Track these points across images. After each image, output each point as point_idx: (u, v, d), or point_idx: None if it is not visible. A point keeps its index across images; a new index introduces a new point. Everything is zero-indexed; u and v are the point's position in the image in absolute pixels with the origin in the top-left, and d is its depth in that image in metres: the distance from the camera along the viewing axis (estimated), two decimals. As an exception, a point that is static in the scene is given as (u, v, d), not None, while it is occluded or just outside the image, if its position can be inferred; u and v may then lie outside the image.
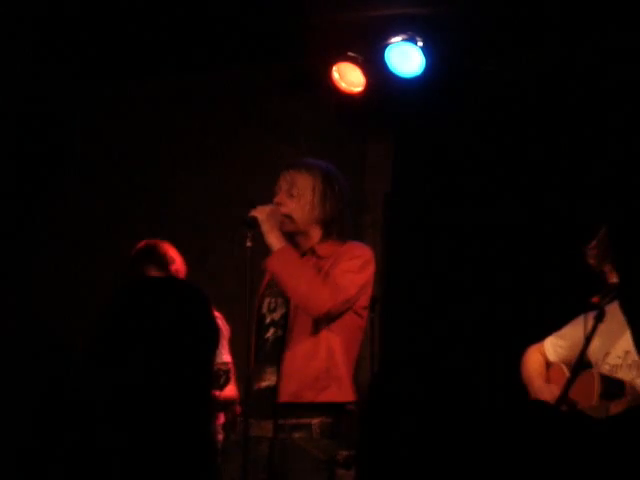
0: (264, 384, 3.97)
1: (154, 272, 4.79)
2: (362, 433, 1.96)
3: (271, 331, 4.04)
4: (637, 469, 1.83)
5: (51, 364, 2.26)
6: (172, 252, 4.90)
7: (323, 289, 3.85)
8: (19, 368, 2.29)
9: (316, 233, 4.04)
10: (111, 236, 6.04)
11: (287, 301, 4.00)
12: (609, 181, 4.80)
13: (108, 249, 5.96)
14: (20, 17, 5.39)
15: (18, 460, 2.05)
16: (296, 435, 3.89)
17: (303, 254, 4.02)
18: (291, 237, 4.07)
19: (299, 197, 4.01)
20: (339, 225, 4.04)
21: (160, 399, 2.06)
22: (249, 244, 3.94)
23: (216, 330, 2.19)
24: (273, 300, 4.07)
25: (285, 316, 4.01)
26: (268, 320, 4.06)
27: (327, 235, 4.04)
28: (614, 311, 3.94)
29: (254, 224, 3.95)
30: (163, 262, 4.83)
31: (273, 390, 3.92)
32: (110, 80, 6.09)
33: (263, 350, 4.01)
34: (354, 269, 3.94)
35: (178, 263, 4.87)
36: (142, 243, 4.93)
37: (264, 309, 4.08)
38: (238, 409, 4.70)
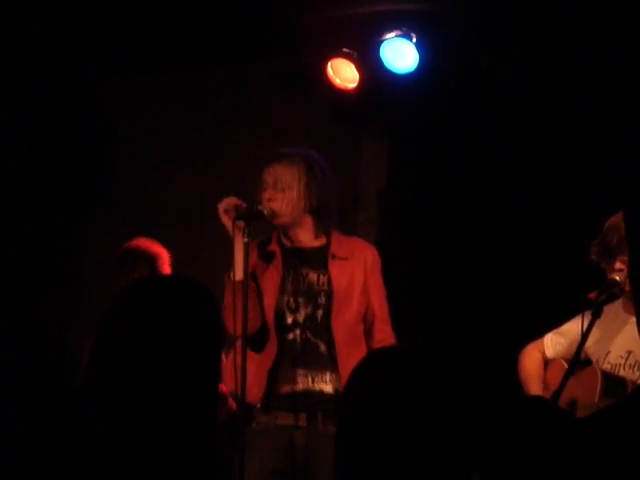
0: (299, 387, 4.00)
1: (122, 282, 4.72)
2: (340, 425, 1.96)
3: (296, 332, 4.04)
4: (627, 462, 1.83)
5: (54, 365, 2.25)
6: (141, 255, 4.79)
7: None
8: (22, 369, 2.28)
9: (308, 222, 4.12)
10: (102, 234, 6.01)
11: (311, 300, 4.05)
12: (618, 169, 4.79)
13: (98, 247, 5.92)
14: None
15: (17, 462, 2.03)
16: (329, 423, 3.92)
17: (320, 254, 4.08)
18: (285, 231, 4.12)
19: (286, 190, 4.06)
20: (327, 210, 4.11)
21: (167, 399, 2.04)
22: (245, 239, 3.97)
23: (223, 327, 2.18)
24: (292, 299, 4.07)
25: (312, 318, 4.03)
26: (290, 320, 4.06)
27: (319, 222, 4.11)
28: (613, 308, 3.94)
29: (255, 217, 4.00)
30: (126, 271, 4.73)
31: (310, 392, 4.00)
32: (105, 78, 6.07)
33: (290, 352, 4.02)
34: (385, 295, 4.19)
35: (144, 268, 4.75)
36: (120, 248, 4.86)
37: (283, 306, 4.08)
38: (232, 403, 4.68)
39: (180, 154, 6.13)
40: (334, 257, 4.09)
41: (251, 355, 3.96)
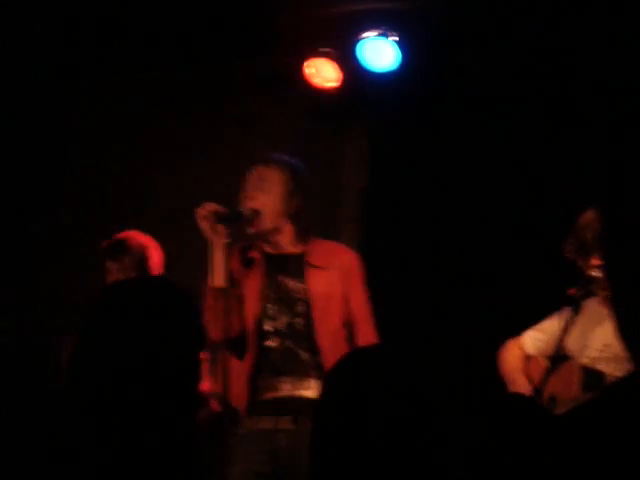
0: (281, 394, 4.00)
1: (110, 263, 4.75)
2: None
3: (276, 340, 4.05)
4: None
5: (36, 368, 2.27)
6: (132, 241, 4.82)
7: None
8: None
9: (287, 228, 4.11)
10: (86, 233, 6.00)
11: (290, 309, 4.04)
12: (592, 171, 4.83)
13: (82, 246, 5.91)
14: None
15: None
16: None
17: (295, 260, 4.08)
18: (264, 237, 4.11)
19: (268, 191, 4.07)
20: (306, 219, 4.13)
21: (148, 400, 2.06)
22: (227, 240, 3.97)
23: (202, 328, 2.19)
24: (273, 306, 4.07)
25: (291, 326, 4.03)
26: (270, 328, 4.06)
27: (299, 230, 4.10)
28: (592, 304, 3.97)
29: (234, 219, 4.00)
30: (116, 254, 4.76)
31: (293, 398, 3.98)
32: (83, 79, 6.06)
33: (271, 360, 4.03)
34: (367, 298, 4.15)
35: (135, 252, 4.77)
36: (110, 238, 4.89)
37: (263, 314, 4.08)
38: (215, 404, 4.69)
39: (161, 155, 6.12)
40: (311, 266, 4.08)
41: (232, 363, 3.96)
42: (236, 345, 4.02)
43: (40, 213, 6.17)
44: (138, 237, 4.84)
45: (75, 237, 6.05)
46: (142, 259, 4.77)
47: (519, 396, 2.93)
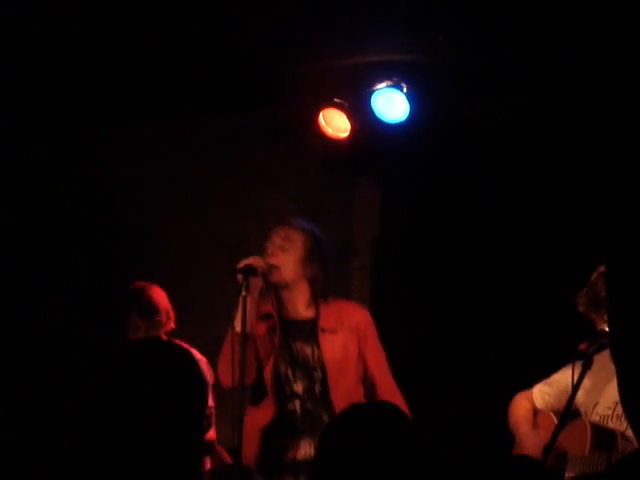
0: (301, 454, 4.06)
1: (137, 320, 4.82)
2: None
3: (296, 404, 4.11)
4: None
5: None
6: (158, 299, 4.90)
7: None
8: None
9: (304, 290, 4.20)
10: (99, 280, 6.03)
11: (308, 374, 4.12)
12: (603, 222, 4.85)
13: (95, 293, 5.94)
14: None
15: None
16: None
17: (309, 325, 4.14)
18: (277, 290, 4.18)
19: (289, 251, 4.16)
20: (324, 286, 4.18)
21: (154, 452, 2.10)
22: (244, 293, 4.03)
23: (204, 387, 2.25)
24: (290, 370, 4.13)
25: (310, 390, 4.11)
26: (289, 391, 4.14)
27: (314, 295, 4.19)
28: (602, 359, 3.96)
29: (251, 272, 4.06)
30: (147, 311, 4.85)
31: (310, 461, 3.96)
32: (97, 127, 6.12)
33: (292, 422, 4.10)
34: (383, 353, 4.22)
35: (163, 312, 4.88)
36: (130, 287, 4.96)
37: (281, 373, 4.14)
38: (225, 454, 4.72)
39: (171, 203, 6.16)
40: (323, 331, 4.16)
41: (247, 418, 4.00)
42: (252, 392, 4.08)
43: (51, 259, 6.18)
44: (164, 297, 4.91)
45: (83, 283, 6.06)
46: (167, 319, 4.86)
47: (527, 459, 2.92)
